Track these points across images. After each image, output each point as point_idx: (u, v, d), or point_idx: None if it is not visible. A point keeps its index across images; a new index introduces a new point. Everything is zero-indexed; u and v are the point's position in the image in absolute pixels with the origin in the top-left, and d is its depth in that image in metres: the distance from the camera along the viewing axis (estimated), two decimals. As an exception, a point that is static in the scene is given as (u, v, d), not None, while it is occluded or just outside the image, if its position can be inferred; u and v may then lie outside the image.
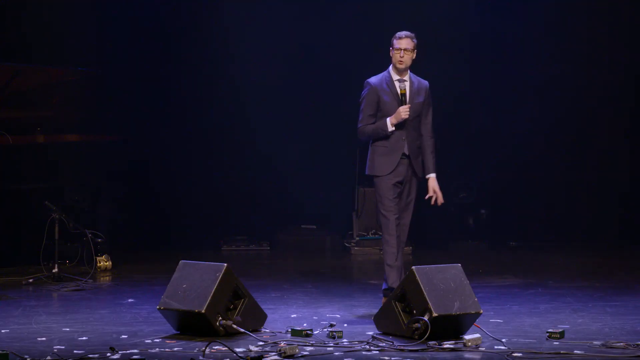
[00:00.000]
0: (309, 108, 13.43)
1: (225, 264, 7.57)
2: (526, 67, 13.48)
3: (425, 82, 8.58)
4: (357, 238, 12.90)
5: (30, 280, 10.08)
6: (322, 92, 13.40)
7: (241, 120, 13.55)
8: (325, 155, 13.45)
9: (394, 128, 8.39)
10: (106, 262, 10.97)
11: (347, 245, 12.98)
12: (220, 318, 7.42)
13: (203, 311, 7.36)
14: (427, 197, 8.55)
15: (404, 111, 8.36)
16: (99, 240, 10.83)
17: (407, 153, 8.44)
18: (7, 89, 10.79)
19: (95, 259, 10.73)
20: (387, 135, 8.41)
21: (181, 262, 7.78)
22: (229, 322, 7.42)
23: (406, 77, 8.49)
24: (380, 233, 12.72)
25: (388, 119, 8.39)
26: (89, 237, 10.63)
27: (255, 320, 7.70)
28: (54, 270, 10.16)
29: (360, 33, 13.25)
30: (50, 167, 10.92)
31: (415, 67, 8.57)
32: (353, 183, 13.21)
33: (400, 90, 8.43)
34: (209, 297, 7.39)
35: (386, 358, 6.84)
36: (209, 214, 13.46)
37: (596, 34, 13.41)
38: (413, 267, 7.46)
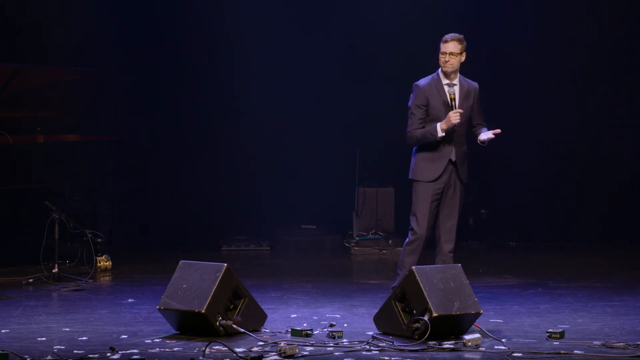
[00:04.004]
0: (310, 108, 13.43)
1: (225, 264, 7.58)
2: (526, 65, 13.47)
3: (475, 84, 8.38)
4: (357, 238, 12.90)
5: (30, 280, 10.08)
6: (322, 91, 13.40)
7: (241, 120, 13.56)
8: (325, 155, 13.44)
9: (444, 134, 8.17)
10: (106, 262, 10.96)
11: (347, 245, 12.97)
12: (220, 318, 7.43)
13: (203, 311, 7.36)
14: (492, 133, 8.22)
15: (454, 116, 8.11)
16: (99, 240, 10.82)
17: (453, 159, 8.25)
18: (7, 89, 10.79)
19: (95, 259, 10.72)
20: (435, 141, 8.20)
21: (181, 262, 7.78)
22: (229, 322, 7.43)
23: (455, 81, 8.28)
24: (381, 233, 12.81)
25: (438, 125, 8.16)
26: (89, 237, 10.63)
27: (255, 320, 7.71)
28: (54, 270, 10.16)
29: (362, 33, 13.25)
30: (50, 167, 10.92)
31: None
32: (353, 183, 13.21)
33: (450, 95, 8.21)
34: (209, 297, 7.40)
35: (386, 358, 6.84)
36: (209, 214, 13.46)
37: (599, 33, 13.42)
38: (413, 267, 7.47)
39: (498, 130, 8.25)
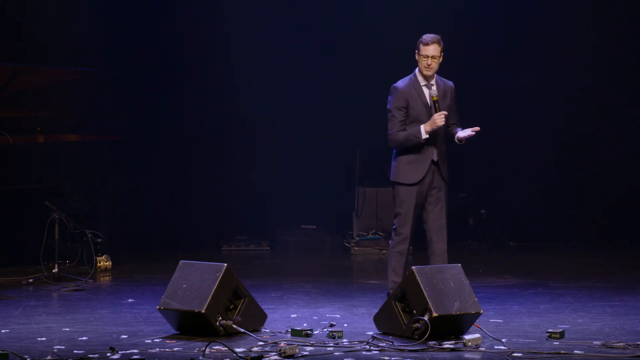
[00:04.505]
0: (310, 108, 13.43)
1: (225, 264, 7.58)
2: (528, 65, 13.47)
3: (451, 83, 8.35)
4: (357, 238, 12.90)
5: (30, 280, 10.08)
6: (322, 91, 13.40)
7: (241, 120, 13.56)
8: (325, 155, 13.45)
9: (427, 136, 8.15)
10: (106, 262, 10.97)
11: (347, 245, 12.97)
12: (220, 318, 7.43)
13: (203, 311, 7.36)
14: (472, 131, 8.20)
15: (439, 119, 8.09)
16: (99, 240, 10.83)
17: (435, 160, 8.23)
18: (7, 89, 10.79)
19: (95, 259, 10.73)
20: (420, 143, 8.18)
21: (181, 262, 7.78)
22: (229, 322, 7.43)
23: (433, 81, 8.25)
24: (381, 233, 12.81)
25: (422, 127, 8.14)
26: (89, 237, 10.64)
27: (255, 320, 7.71)
28: (54, 270, 10.17)
29: (362, 33, 13.25)
30: (50, 167, 10.92)
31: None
32: (353, 183, 13.21)
33: (432, 97, 8.17)
34: (209, 297, 7.39)
35: (386, 358, 6.84)
36: (209, 214, 13.46)
37: (602, 32, 13.41)
38: (413, 267, 7.46)
39: (477, 128, 8.23)
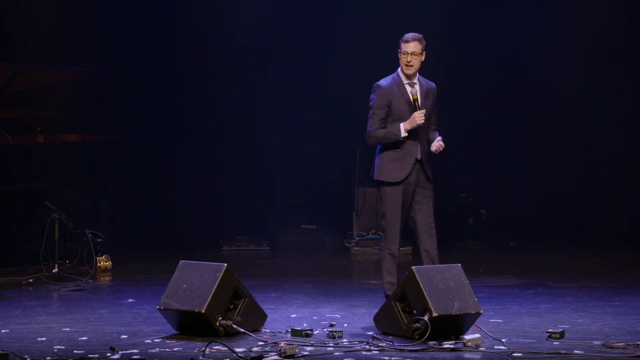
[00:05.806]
0: (310, 108, 13.43)
1: (225, 264, 7.58)
2: (528, 65, 13.47)
3: (433, 84, 8.34)
4: (357, 238, 12.90)
5: (30, 280, 10.08)
6: (322, 91, 13.40)
7: (241, 120, 13.57)
8: (325, 155, 13.45)
9: (407, 134, 8.14)
10: (106, 262, 10.97)
11: (347, 245, 12.98)
12: (220, 318, 7.43)
13: (203, 311, 7.36)
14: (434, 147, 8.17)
15: (419, 117, 8.09)
16: (99, 240, 10.83)
17: (419, 157, 8.20)
18: (7, 89, 10.79)
19: (95, 259, 10.73)
20: (399, 141, 8.16)
21: (181, 262, 7.78)
22: (229, 322, 7.43)
23: (415, 80, 8.23)
24: (381, 233, 12.80)
25: (402, 125, 8.13)
26: (89, 237, 10.64)
27: (255, 320, 7.71)
28: (54, 270, 10.17)
29: (362, 33, 13.25)
30: (50, 167, 10.92)
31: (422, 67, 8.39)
32: (353, 183, 13.21)
33: (412, 95, 8.17)
34: (209, 297, 7.40)
35: (386, 358, 6.84)
36: (209, 214, 13.46)
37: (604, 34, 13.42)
38: (413, 267, 7.47)
39: (442, 145, 8.14)
